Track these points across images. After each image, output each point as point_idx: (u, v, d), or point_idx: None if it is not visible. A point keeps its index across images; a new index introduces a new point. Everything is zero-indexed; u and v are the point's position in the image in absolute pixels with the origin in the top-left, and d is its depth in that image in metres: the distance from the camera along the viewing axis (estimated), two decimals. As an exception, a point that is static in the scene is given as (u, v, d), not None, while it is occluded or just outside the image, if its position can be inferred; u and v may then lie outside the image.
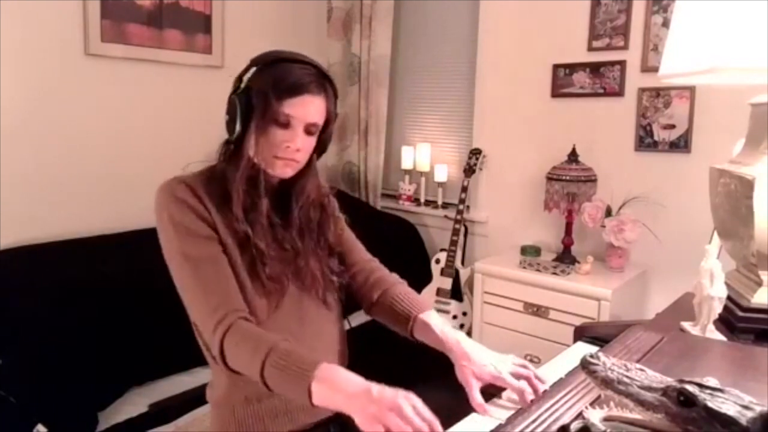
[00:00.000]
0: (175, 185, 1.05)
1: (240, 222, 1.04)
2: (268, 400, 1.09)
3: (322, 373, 0.88)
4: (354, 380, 0.87)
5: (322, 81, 1.06)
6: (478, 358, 0.98)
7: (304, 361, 0.90)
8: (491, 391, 0.95)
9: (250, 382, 1.03)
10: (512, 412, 0.86)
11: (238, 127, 1.04)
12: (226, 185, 1.06)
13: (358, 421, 0.82)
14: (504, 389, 0.96)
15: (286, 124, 1.03)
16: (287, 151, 1.04)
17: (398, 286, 1.19)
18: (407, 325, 1.11)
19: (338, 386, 0.87)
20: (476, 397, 0.93)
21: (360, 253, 1.25)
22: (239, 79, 1.07)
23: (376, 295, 1.18)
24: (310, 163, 1.12)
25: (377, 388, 0.84)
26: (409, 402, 0.81)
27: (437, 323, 1.08)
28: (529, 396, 0.90)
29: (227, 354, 0.98)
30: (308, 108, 1.04)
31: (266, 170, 1.06)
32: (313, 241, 1.14)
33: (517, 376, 0.94)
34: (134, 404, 1.94)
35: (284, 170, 1.07)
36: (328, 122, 1.10)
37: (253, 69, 1.05)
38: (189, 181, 1.06)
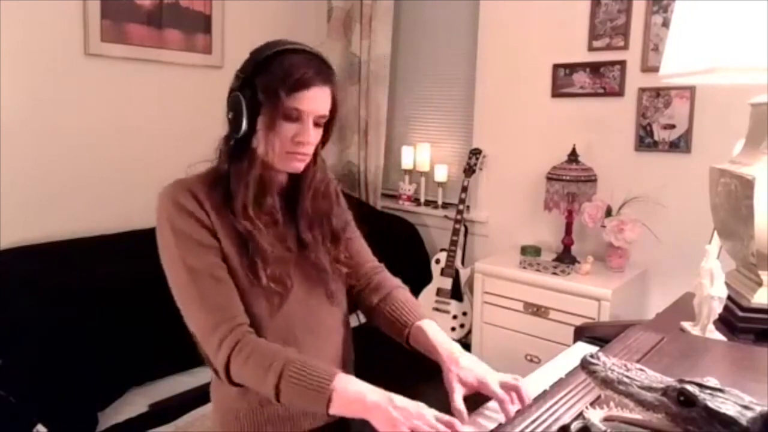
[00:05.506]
0: (176, 190, 1.02)
1: (241, 220, 1.02)
2: (272, 406, 1.08)
3: (340, 384, 0.89)
4: (372, 389, 0.89)
5: (327, 70, 1.04)
6: (465, 364, 0.98)
7: (321, 374, 0.91)
8: (477, 399, 0.94)
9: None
10: (494, 425, 0.84)
11: (244, 125, 1.01)
12: (230, 185, 1.03)
13: (381, 426, 0.83)
14: (490, 399, 0.94)
15: (296, 119, 1.02)
16: (299, 145, 1.03)
17: (398, 291, 1.18)
18: (403, 333, 1.11)
19: (357, 396, 0.88)
20: (457, 401, 0.92)
21: (366, 254, 1.24)
22: (241, 73, 1.03)
23: (376, 299, 1.18)
24: (316, 154, 1.11)
25: (399, 397, 0.86)
26: (430, 411, 0.84)
27: (433, 331, 1.07)
28: (514, 408, 0.88)
29: (233, 370, 0.97)
30: (318, 100, 1.02)
31: (276, 167, 1.05)
32: (321, 233, 1.13)
33: (505, 387, 0.91)
34: (134, 404, 1.94)
35: (296, 165, 1.06)
36: (333, 111, 1.08)
37: (255, 63, 1.02)
38: (190, 184, 1.03)
